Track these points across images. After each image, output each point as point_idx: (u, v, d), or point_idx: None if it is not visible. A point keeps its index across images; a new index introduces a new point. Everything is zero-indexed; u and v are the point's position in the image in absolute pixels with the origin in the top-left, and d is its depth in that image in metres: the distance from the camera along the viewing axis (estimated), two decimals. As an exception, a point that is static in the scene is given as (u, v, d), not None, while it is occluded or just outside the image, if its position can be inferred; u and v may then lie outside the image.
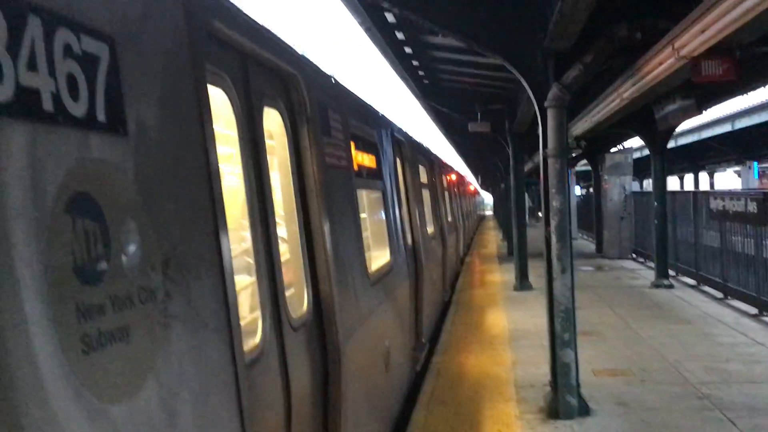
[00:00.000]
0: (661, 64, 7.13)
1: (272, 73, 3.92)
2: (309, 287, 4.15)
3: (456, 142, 30.57)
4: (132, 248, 2.06)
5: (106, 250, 1.93)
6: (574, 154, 22.36)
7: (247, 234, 3.47)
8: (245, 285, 4.05)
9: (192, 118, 2.60)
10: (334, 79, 5.50)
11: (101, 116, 1.98)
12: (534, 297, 14.76)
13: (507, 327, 11.88)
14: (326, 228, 4.34)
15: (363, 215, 6.57)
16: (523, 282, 16.22)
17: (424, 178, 11.99)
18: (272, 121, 4.01)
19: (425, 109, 20.52)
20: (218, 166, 2.75)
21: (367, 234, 6.81)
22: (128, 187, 2.09)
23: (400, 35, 12.17)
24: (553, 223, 7.51)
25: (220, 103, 3.26)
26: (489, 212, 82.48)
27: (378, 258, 7.04)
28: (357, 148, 6.03)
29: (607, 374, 8.64)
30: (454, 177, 22.19)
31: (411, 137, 10.71)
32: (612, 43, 7.31)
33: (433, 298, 11.45)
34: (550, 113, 7.60)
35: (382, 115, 7.98)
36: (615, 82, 9.33)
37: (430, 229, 11.78)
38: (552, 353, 7.59)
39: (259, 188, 3.47)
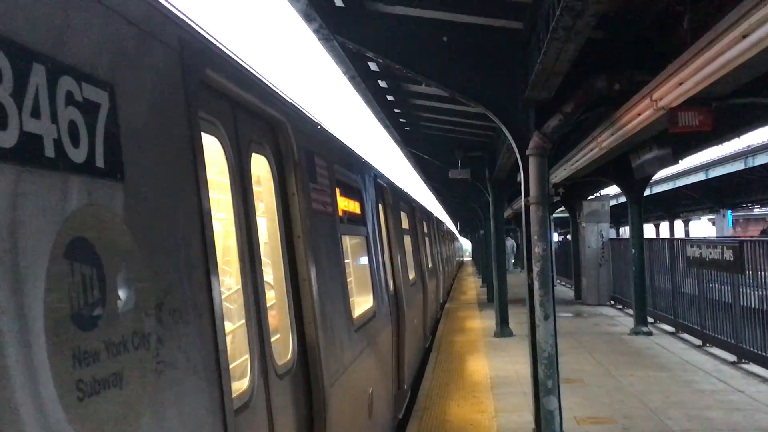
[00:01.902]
0: (639, 114, 7.31)
1: (261, 120, 3.96)
2: (294, 333, 4.12)
3: (435, 188, 30.79)
4: (127, 294, 2.06)
5: (102, 295, 1.93)
6: (553, 201, 22.67)
7: (234, 279, 3.46)
8: (231, 331, 4.02)
9: (186, 164, 2.62)
10: (321, 126, 5.56)
11: (100, 162, 2.01)
12: (515, 343, 14.75)
13: (488, 374, 11.83)
14: (312, 274, 4.34)
15: (347, 261, 6.58)
16: (503, 328, 16.21)
17: (405, 223, 12.03)
18: (260, 167, 4.04)
19: (405, 155, 20.68)
20: (211, 212, 2.77)
21: (350, 280, 6.80)
22: (124, 232, 2.10)
23: (382, 83, 12.35)
24: (535, 269, 7.56)
25: (212, 149, 3.29)
26: (468, 258, 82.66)
27: (361, 304, 7.02)
28: (342, 194, 6.07)
29: (590, 422, 8.60)
30: (434, 223, 22.27)
31: (393, 183, 10.80)
32: (592, 95, 7.49)
33: (415, 345, 11.40)
34: (531, 161, 7.73)
35: (366, 160, 8.05)
36: (594, 131, 9.52)
37: (411, 275, 11.77)
38: (535, 400, 7.57)
39: (247, 234, 3.47)
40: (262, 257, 3.68)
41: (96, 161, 1.99)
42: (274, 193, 4.16)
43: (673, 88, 6.21)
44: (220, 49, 3.30)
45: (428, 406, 9.71)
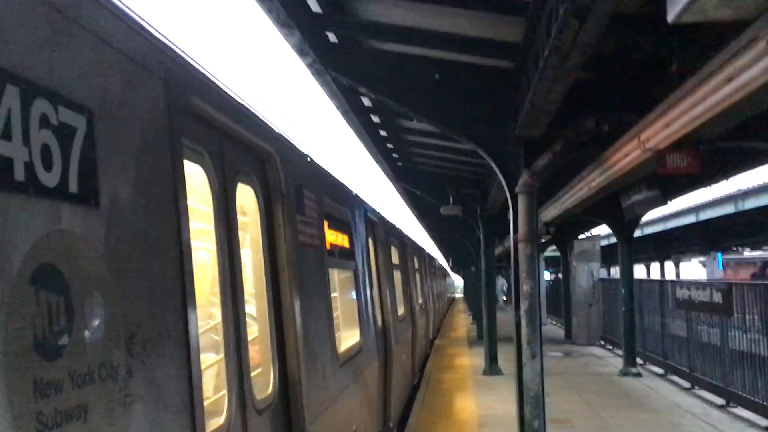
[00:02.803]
0: (627, 155, 7.36)
1: (248, 150, 3.92)
2: (276, 367, 4.05)
3: (428, 224, 30.84)
4: (95, 323, 2.00)
5: (68, 324, 1.87)
6: (543, 240, 22.71)
7: (215, 311, 3.41)
8: (209, 364, 3.95)
9: (166, 192, 2.59)
10: (310, 158, 5.55)
11: (73, 187, 1.96)
12: (503, 382, 14.63)
13: (476, 412, 11.71)
14: (296, 307, 4.28)
15: (334, 294, 6.53)
16: (492, 366, 16.09)
17: (395, 259, 12.01)
18: (246, 197, 4.00)
19: (398, 190, 20.75)
20: (190, 243, 2.73)
21: (337, 314, 6.75)
22: (96, 260, 2.05)
23: (375, 118, 12.43)
24: (523, 307, 7.55)
25: (196, 178, 3.27)
26: (459, 294, 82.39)
27: (347, 339, 6.96)
28: (330, 227, 6.04)
29: (576, 463, 8.51)
30: (425, 259, 22.26)
31: (384, 218, 10.79)
32: (581, 134, 7.56)
33: (402, 381, 11.29)
34: (520, 199, 7.76)
35: (356, 194, 8.05)
36: (583, 171, 9.58)
37: (400, 310, 11.72)
38: (521, 440, 7.49)
39: (230, 265, 3.42)
40: (245, 289, 3.63)
41: (69, 186, 1.95)
42: (260, 225, 4.12)
43: (661, 130, 6.27)
44: (208, 78, 3.29)
45: (414, 444, 9.60)
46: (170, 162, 2.64)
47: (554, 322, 30.03)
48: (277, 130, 4.48)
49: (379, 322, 8.82)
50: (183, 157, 2.79)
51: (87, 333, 1.95)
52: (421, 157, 15.92)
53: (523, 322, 7.54)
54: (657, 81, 7.15)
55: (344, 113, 10.53)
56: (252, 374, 3.61)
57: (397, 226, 13.64)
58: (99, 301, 2.02)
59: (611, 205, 14.32)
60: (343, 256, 6.79)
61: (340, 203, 6.71)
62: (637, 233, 19.82)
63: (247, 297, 3.75)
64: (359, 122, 11.35)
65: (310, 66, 8.06)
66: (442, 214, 17.61)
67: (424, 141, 13.84)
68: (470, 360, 18.84)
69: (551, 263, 40.59)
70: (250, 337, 3.72)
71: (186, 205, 2.72)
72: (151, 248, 2.42)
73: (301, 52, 7.68)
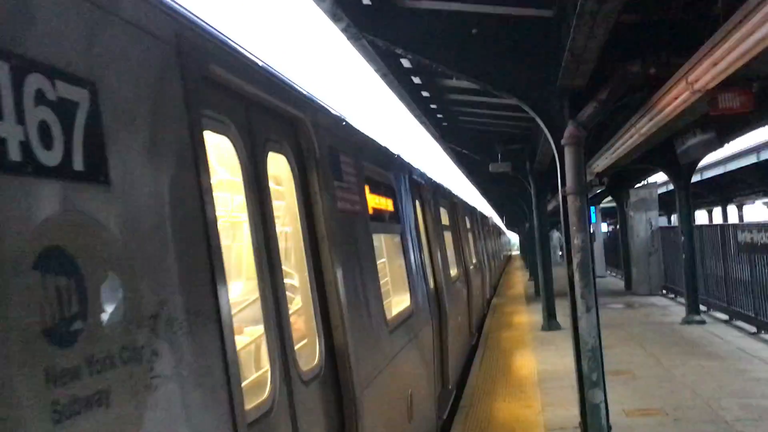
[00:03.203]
0: (676, 98, 7.09)
1: (278, 116, 3.80)
2: (322, 338, 3.98)
3: (478, 182, 30.55)
4: (112, 305, 1.92)
5: (81, 308, 1.79)
6: (597, 191, 22.26)
7: (252, 285, 3.34)
8: (250, 339, 3.92)
9: (185, 166, 2.49)
10: (346, 121, 5.42)
11: (78, 165, 1.88)
12: (562, 336, 14.52)
13: (536, 368, 11.68)
14: (339, 275, 4.20)
15: (380, 260, 6.49)
16: (550, 322, 16.00)
17: (445, 220, 11.91)
18: (279, 166, 3.89)
19: (445, 150, 20.55)
20: (215, 216, 2.64)
21: (385, 279, 6.71)
22: (110, 239, 1.97)
23: (416, 80, 12.27)
24: (575, 261, 7.42)
25: (222, 149, 3.20)
26: (516, 252, 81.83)
27: (397, 304, 6.93)
28: (372, 191, 5.95)
29: (639, 414, 8.42)
30: (477, 218, 22.08)
31: (431, 179, 10.67)
32: (626, 80, 7.31)
33: (459, 342, 11.28)
34: (567, 151, 7.58)
35: (399, 156, 7.93)
36: (632, 117, 9.28)
37: (453, 271, 11.66)
38: (581, 394, 7.42)
39: (264, 237, 3.34)
40: (282, 260, 3.55)
41: (74, 164, 1.87)
42: (296, 193, 4.00)
43: (708, 69, 6.00)
44: (227, 43, 3.14)
45: (474, 403, 9.63)
46: (188, 134, 2.53)
47: (614, 274, 29.60)
48: (307, 94, 4.35)
49: (431, 285, 8.77)
50: (203, 128, 2.68)
51: (103, 316, 1.89)
52: (465, 115, 15.69)
53: (576, 276, 7.41)
54: (702, 19, 6.84)
55: (383, 76, 10.41)
56: (296, 346, 3.58)
57: (445, 186, 13.49)
58: (115, 283, 1.96)
59: (666, 151, 13.90)
60: (388, 220, 6.72)
61: (381, 167, 6.61)
62: (696, 178, 19.26)
63: (286, 268, 3.71)
64: (400, 84, 11.21)
65: (344, 31, 7.96)
66: (491, 172, 17.40)
67: (467, 99, 13.62)
68: (528, 317, 18.75)
69: (608, 214, 39.88)
70: (292, 309, 3.68)
71: (209, 180, 2.63)
72: (170, 225, 2.34)
73: (335, 17, 7.59)
